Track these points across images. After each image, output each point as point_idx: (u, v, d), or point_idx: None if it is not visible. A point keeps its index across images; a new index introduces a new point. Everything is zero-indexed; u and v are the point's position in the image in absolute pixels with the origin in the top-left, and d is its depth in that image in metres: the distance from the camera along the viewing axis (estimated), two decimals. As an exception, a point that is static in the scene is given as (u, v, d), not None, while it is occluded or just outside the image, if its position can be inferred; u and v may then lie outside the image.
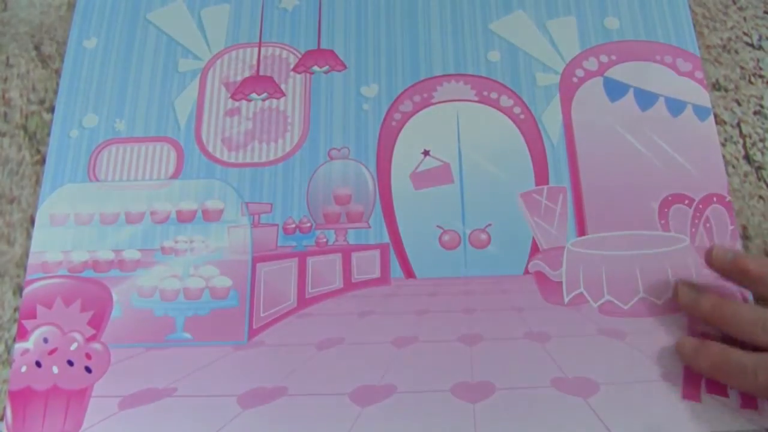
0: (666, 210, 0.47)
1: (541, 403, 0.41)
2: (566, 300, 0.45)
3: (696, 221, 0.46)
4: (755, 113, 0.50)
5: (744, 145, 0.49)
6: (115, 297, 0.45)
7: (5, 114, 0.52)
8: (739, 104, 0.51)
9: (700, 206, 0.47)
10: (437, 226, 0.47)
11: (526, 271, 0.46)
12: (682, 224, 0.46)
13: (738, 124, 0.50)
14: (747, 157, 0.49)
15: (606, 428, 0.40)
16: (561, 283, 0.45)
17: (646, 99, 0.49)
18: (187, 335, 0.44)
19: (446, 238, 0.46)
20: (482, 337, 0.43)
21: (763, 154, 0.49)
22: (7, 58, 0.54)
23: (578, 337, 0.43)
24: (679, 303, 0.43)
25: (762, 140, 0.50)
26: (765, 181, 0.48)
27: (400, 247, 0.46)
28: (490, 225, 0.47)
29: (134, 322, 0.45)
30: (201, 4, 0.54)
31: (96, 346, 0.44)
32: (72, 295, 0.45)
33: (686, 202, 0.47)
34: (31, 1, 0.55)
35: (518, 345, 0.43)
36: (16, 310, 0.46)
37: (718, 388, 0.41)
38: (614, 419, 0.40)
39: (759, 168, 0.49)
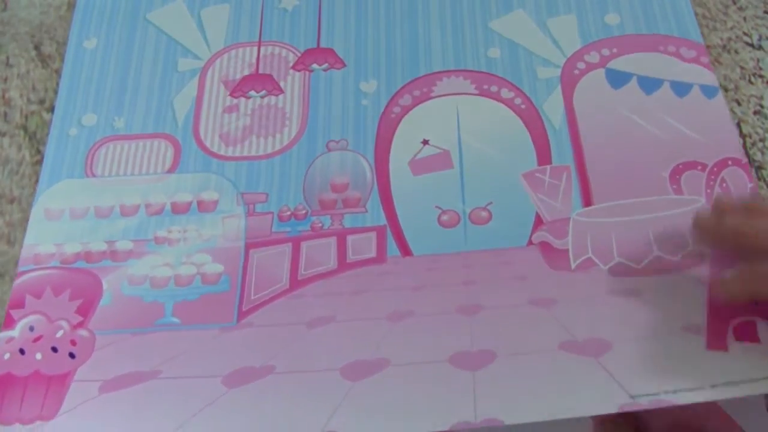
0: (677, 177, 0.45)
1: (547, 366, 0.38)
2: (573, 266, 0.42)
3: (711, 182, 0.44)
4: (755, 113, 0.50)
5: (744, 145, 0.48)
6: (105, 285, 0.44)
7: (5, 114, 0.52)
8: (739, 104, 0.50)
9: (715, 169, 0.45)
10: (436, 207, 0.45)
11: (530, 243, 0.44)
12: (696, 188, 0.44)
13: (738, 124, 0.49)
14: (747, 157, 0.47)
15: (620, 387, 0.36)
16: (567, 250, 0.43)
17: (650, 84, 0.48)
18: (176, 320, 0.42)
19: (445, 217, 0.45)
20: (482, 306, 0.41)
21: (763, 154, 0.48)
22: (7, 58, 0.54)
23: (588, 299, 0.41)
24: (698, 234, 0.40)
25: (762, 140, 0.48)
26: (765, 181, 0.47)
27: (398, 228, 0.45)
28: (491, 203, 0.45)
29: (123, 309, 0.43)
30: (201, 4, 0.55)
31: (82, 332, 0.42)
32: (62, 285, 0.44)
33: (699, 168, 0.45)
34: (31, 1, 0.56)
35: (522, 312, 0.41)
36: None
37: (747, 333, 0.38)
38: (629, 377, 0.37)
39: (759, 168, 0.47)
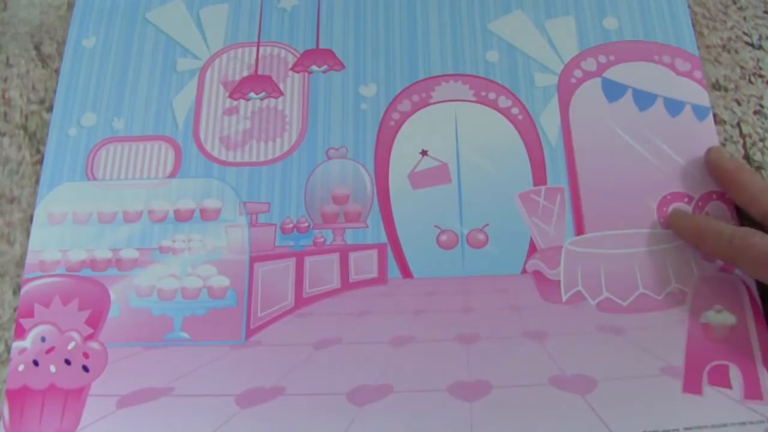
0: (665, 208, 0.46)
1: (538, 401, 0.41)
2: (564, 298, 0.45)
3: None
4: (755, 113, 0.50)
5: (744, 145, 0.49)
6: (112, 296, 0.45)
7: (5, 114, 0.52)
8: (739, 104, 0.51)
9: (700, 203, 0.46)
10: (435, 226, 0.47)
11: (524, 271, 0.45)
12: None
13: (738, 124, 0.50)
14: (747, 157, 0.48)
15: (604, 425, 0.40)
16: (559, 281, 0.45)
17: (644, 99, 0.49)
18: (185, 335, 0.44)
19: (444, 238, 0.46)
20: (479, 336, 0.43)
21: (763, 154, 0.49)
22: (7, 58, 0.53)
23: (576, 334, 0.43)
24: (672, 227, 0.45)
25: (762, 140, 0.49)
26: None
27: (398, 247, 0.46)
28: (487, 225, 0.47)
29: (132, 322, 0.45)
30: (200, 3, 0.54)
31: (94, 345, 0.44)
32: (70, 294, 0.45)
33: (685, 200, 0.47)
34: (31, 1, 0.55)
35: (516, 343, 0.43)
36: (15, 309, 0.46)
37: (720, 379, 0.41)
38: (612, 415, 0.40)
39: (759, 168, 0.49)
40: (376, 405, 0.41)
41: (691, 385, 0.41)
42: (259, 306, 0.45)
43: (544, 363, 0.42)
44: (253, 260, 0.46)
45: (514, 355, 0.43)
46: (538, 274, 0.45)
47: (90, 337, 0.44)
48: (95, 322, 0.44)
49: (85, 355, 0.43)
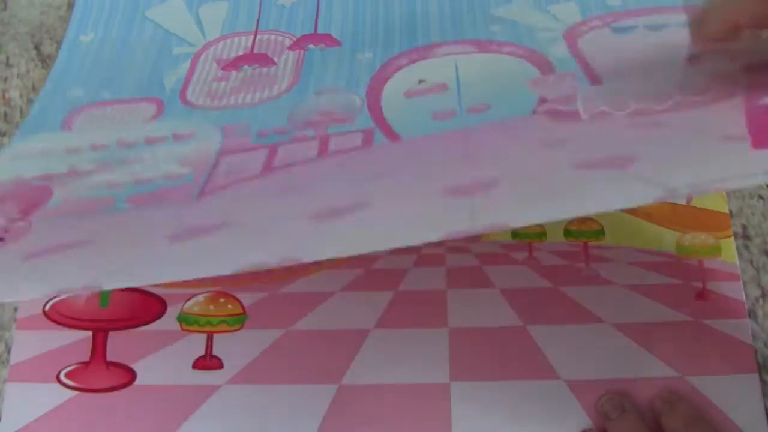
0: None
1: (560, 184, 0.30)
2: (584, 117, 0.36)
3: None
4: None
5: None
6: (56, 192, 0.39)
7: (5, 114, 0.51)
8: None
9: None
10: (432, 111, 0.41)
11: (535, 112, 0.38)
12: None
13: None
14: None
15: (653, 183, 0.27)
16: (577, 111, 0.37)
17: (658, 28, 0.46)
18: (126, 205, 0.36)
19: (440, 114, 0.41)
20: (483, 154, 0.34)
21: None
22: (7, 58, 0.54)
23: (605, 134, 0.33)
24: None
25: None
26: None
27: (388, 128, 0.40)
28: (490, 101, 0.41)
29: (71, 206, 0.37)
30: (199, 1, 0.55)
31: (19, 224, 0.36)
32: (7, 197, 0.39)
33: None
34: (31, 1, 0.56)
35: (530, 150, 0.33)
36: (16, 309, 0.44)
37: None
38: (665, 175, 0.28)
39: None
40: (346, 219, 0.30)
41: (763, 139, 0.29)
42: (220, 177, 0.37)
43: (567, 154, 0.32)
44: (220, 153, 0.40)
45: (527, 157, 0.33)
46: (552, 111, 0.37)
47: (18, 219, 0.37)
48: (29, 211, 0.38)
49: (5, 231, 0.36)
